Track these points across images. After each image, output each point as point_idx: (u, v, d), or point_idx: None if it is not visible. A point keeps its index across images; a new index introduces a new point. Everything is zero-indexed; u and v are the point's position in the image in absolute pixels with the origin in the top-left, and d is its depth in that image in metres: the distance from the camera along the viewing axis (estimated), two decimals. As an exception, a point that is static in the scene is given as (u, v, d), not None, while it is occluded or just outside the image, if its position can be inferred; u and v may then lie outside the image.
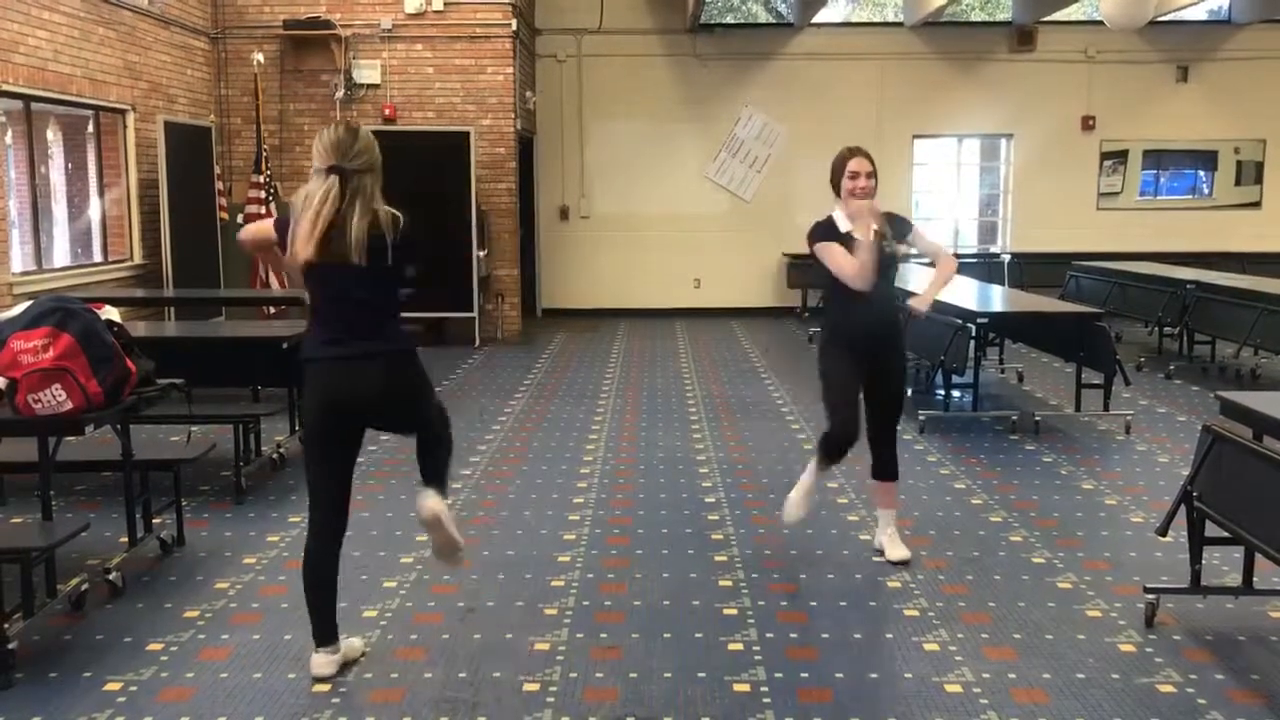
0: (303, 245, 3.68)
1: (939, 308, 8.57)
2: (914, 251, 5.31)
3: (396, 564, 5.18)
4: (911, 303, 5.21)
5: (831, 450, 5.12)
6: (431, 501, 3.92)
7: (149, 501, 5.29)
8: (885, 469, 5.22)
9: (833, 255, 4.96)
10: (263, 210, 11.55)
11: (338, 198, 3.69)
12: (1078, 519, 5.88)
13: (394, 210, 3.80)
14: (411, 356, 3.91)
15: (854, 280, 4.90)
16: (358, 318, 3.80)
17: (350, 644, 4.09)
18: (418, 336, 3.99)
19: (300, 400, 3.94)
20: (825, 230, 5.06)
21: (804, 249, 5.18)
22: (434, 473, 3.99)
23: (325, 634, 3.96)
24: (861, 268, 4.88)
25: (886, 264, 4.99)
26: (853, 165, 4.99)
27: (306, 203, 3.71)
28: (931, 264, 5.49)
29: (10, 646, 3.93)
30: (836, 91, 14.86)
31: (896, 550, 5.19)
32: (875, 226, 4.94)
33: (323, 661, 3.95)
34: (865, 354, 5.04)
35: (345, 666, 4.02)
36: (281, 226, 3.85)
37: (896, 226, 5.04)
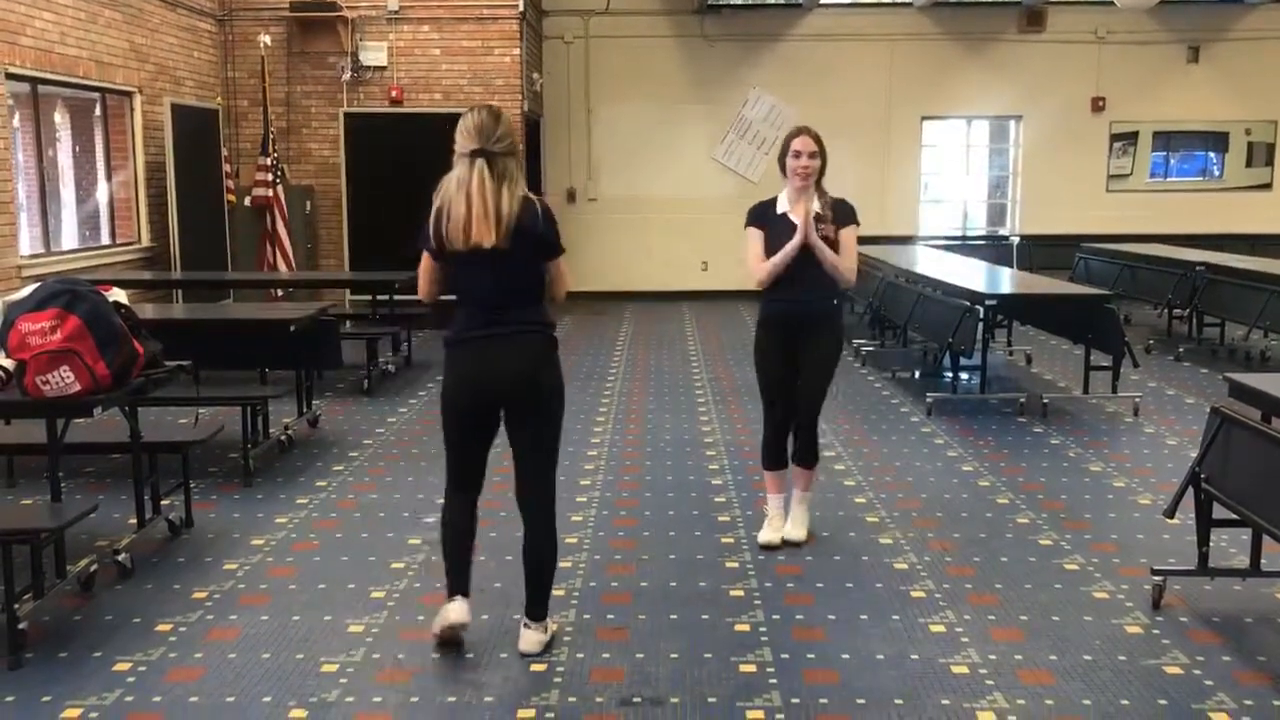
0: (481, 230, 3.68)
1: (948, 289, 8.58)
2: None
3: (404, 545, 5.19)
4: (802, 222, 4.90)
5: (767, 446, 5.15)
6: (535, 636, 3.98)
7: (157, 483, 5.31)
8: (804, 453, 5.15)
9: (749, 246, 5.00)
10: (269, 193, 11.57)
11: (492, 181, 3.70)
12: (1085, 501, 5.87)
13: (531, 194, 3.82)
14: (553, 343, 3.91)
15: (755, 276, 4.96)
16: (504, 302, 3.80)
17: (549, 625, 4.09)
18: (555, 323, 3.98)
19: (443, 381, 3.91)
20: (760, 211, 5.06)
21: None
22: (539, 597, 4.01)
23: (460, 584, 3.99)
24: (766, 272, 4.92)
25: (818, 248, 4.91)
26: (796, 144, 4.93)
27: (460, 188, 3.71)
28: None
29: (21, 626, 3.96)
30: (845, 73, 14.79)
31: (796, 530, 5.17)
32: (817, 209, 4.91)
33: (456, 608, 3.95)
34: (792, 333, 5.01)
35: (548, 646, 4.03)
36: (431, 225, 3.79)
37: (839, 212, 4.96)
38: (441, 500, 4.10)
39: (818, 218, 4.89)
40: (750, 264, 5.00)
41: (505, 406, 3.88)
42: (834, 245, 4.92)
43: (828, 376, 5.10)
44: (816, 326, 5.03)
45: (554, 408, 3.94)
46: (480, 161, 3.71)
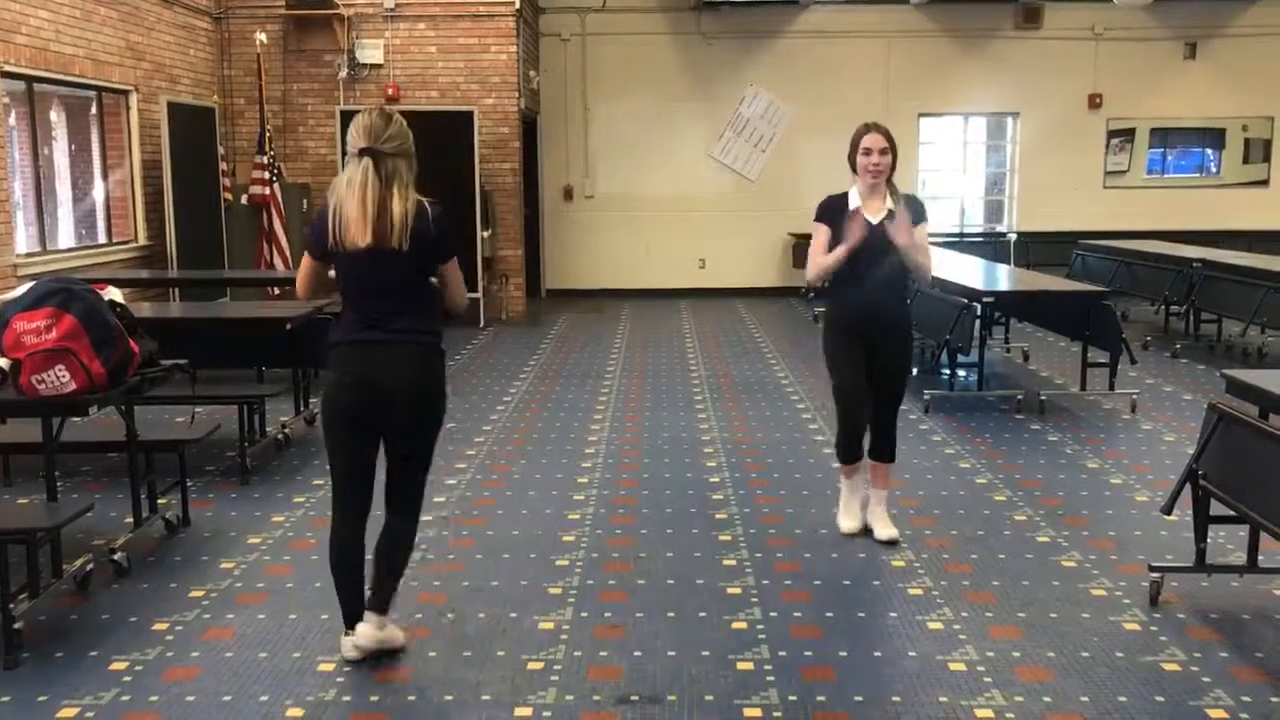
0: (358, 230, 3.66)
1: (945, 286, 8.57)
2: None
3: (401, 544, 5.17)
4: (894, 229, 4.86)
5: (843, 446, 5.14)
6: (370, 633, 3.88)
7: (154, 482, 5.30)
8: (880, 449, 5.16)
9: (815, 241, 4.97)
10: (266, 191, 11.55)
11: (376, 181, 3.68)
12: (1083, 498, 5.87)
13: (426, 198, 3.79)
14: (437, 352, 3.87)
15: (808, 274, 4.96)
16: (390, 304, 3.76)
17: (392, 631, 3.99)
18: (442, 332, 3.91)
19: (323, 385, 3.87)
20: (830, 206, 5.01)
21: (810, 229, 5.13)
22: (384, 590, 3.92)
23: (356, 611, 3.93)
24: (820, 272, 4.91)
25: (889, 247, 4.88)
26: (866, 141, 4.91)
27: (348, 187, 3.69)
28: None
29: (16, 626, 3.95)
30: (842, 70, 14.79)
31: (885, 529, 5.16)
32: (889, 206, 4.90)
33: (364, 632, 3.87)
34: (864, 335, 5.00)
35: (384, 653, 3.95)
36: (319, 224, 3.77)
37: (912, 209, 4.94)
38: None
39: (891, 215, 4.87)
40: (812, 258, 4.97)
41: (384, 413, 3.79)
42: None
43: (906, 375, 5.15)
44: (891, 327, 5.03)
45: (436, 415, 3.89)
46: (366, 160, 3.69)
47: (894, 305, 5.05)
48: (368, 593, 3.92)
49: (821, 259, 4.95)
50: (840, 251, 4.86)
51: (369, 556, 3.93)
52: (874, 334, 5.00)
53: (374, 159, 3.69)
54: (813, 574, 4.79)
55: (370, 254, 3.68)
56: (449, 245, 3.85)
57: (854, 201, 4.96)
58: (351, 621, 3.92)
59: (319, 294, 3.96)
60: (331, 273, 3.86)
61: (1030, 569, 4.83)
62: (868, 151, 4.90)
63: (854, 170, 4.98)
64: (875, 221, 4.88)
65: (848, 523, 5.26)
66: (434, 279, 3.87)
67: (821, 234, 4.98)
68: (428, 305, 3.86)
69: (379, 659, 3.94)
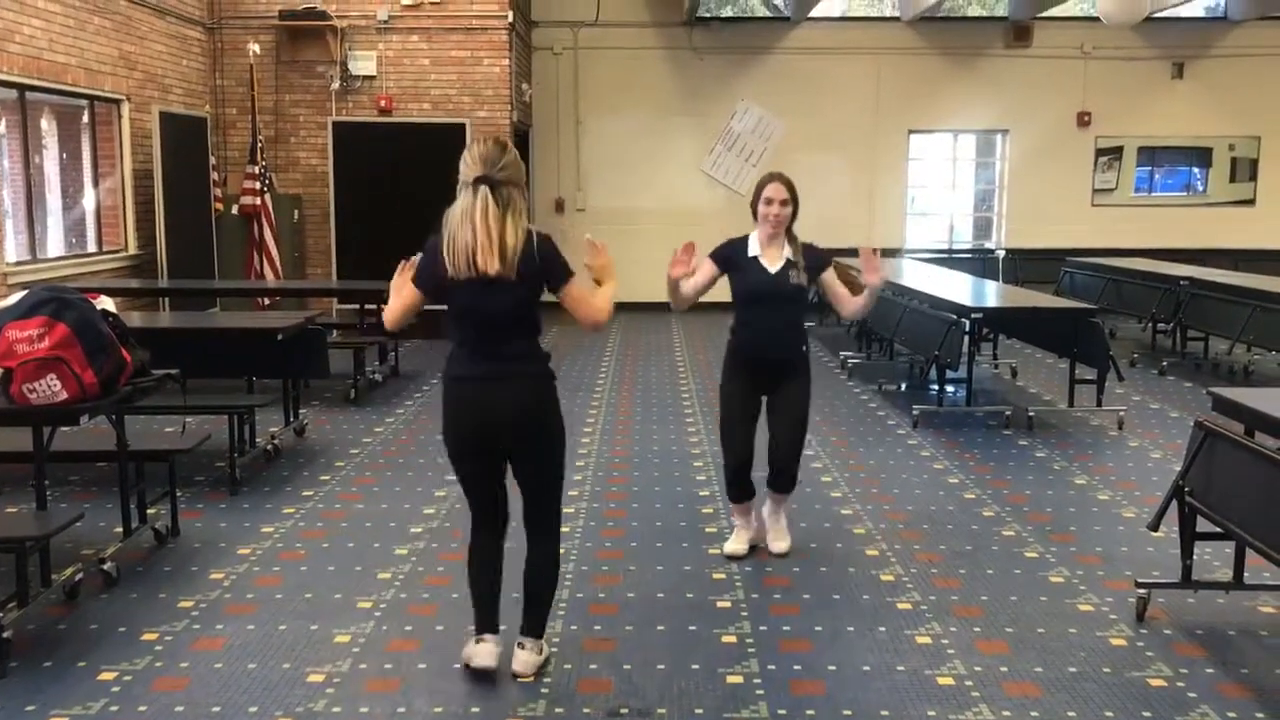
0: (485, 259, 3.62)
1: (934, 302, 8.62)
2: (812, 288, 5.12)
3: (391, 556, 5.18)
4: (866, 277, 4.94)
5: (729, 481, 5.16)
6: (529, 658, 3.92)
7: (144, 492, 5.30)
8: (779, 484, 5.17)
9: (698, 272, 5.03)
10: (257, 201, 11.55)
11: (496, 209, 3.66)
12: (1070, 514, 5.90)
13: (530, 226, 3.78)
14: (550, 379, 3.87)
15: (674, 297, 5.03)
16: (503, 335, 3.76)
17: (528, 656, 3.95)
18: (551, 357, 3.92)
19: (443, 417, 3.86)
20: (729, 253, 5.07)
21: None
22: (536, 615, 3.97)
23: (486, 622, 3.95)
24: (684, 301, 5.04)
25: (791, 295, 4.97)
26: (768, 191, 4.95)
27: (464, 217, 3.66)
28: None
29: (5, 636, 3.94)
30: (833, 86, 14.87)
31: (779, 541, 5.20)
32: (788, 256, 4.96)
33: (485, 651, 3.90)
34: (760, 379, 5.05)
35: (542, 669, 3.97)
36: (431, 255, 3.72)
37: (810, 259, 4.99)
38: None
39: (789, 264, 4.94)
40: (684, 286, 4.98)
41: (503, 442, 3.82)
42: (803, 291, 5.01)
43: (803, 421, 5.12)
44: (788, 372, 5.05)
45: (555, 443, 3.91)
46: (484, 189, 3.66)
47: (790, 350, 5.05)
48: (522, 619, 3.98)
49: (690, 292, 5.03)
50: (669, 275, 4.91)
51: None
52: (769, 377, 5.05)
53: (491, 187, 3.67)
54: (801, 588, 4.81)
55: (490, 284, 3.66)
56: (561, 269, 3.79)
57: (753, 249, 5.02)
58: (480, 630, 3.95)
59: (408, 323, 3.93)
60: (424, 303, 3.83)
61: (1018, 584, 4.85)
62: (769, 201, 4.94)
63: (754, 217, 5.04)
64: (773, 270, 4.96)
65: (732, 545, 5.22)
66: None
67: (706, 269, 5.05)
68: (537, 335, 3.86)
69: (355, 676, 3.94)
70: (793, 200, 4.95)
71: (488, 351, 3.76)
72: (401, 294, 3.84)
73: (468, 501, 3.97)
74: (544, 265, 3.74)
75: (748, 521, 5.26)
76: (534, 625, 3.97)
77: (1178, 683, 3.89)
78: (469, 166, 3.71)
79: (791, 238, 5.02)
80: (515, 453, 3.86)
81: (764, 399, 5.10)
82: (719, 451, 7.13)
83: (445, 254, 3.68)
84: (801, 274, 4.95)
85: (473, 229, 3.65)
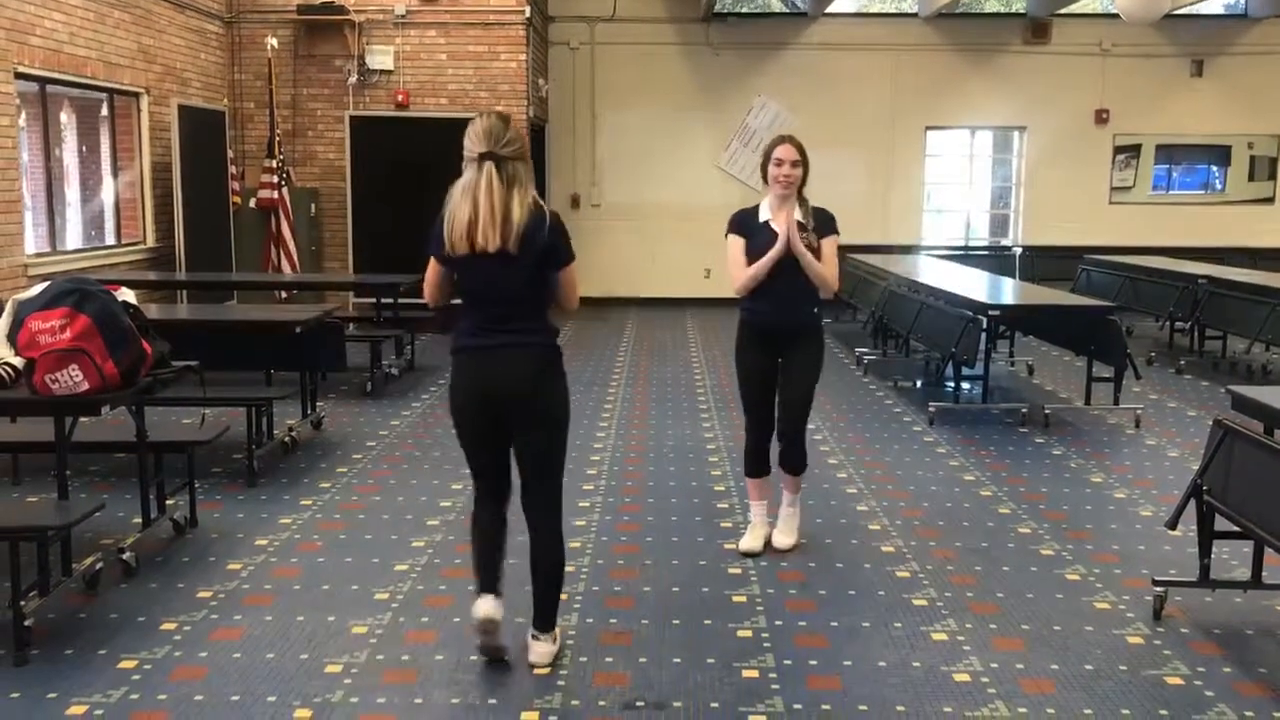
0: (486, 234, 3.64)
1: (950, 299, 8.59)
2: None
3: (408, 548, 5.20)
4: (784, 229, 4.85)
5: (748, 455, 5.16)
6: (487, 609, 3.89)
7: (163, 483, 5.33)
8: (789, 459, 5.15)
9: (729, 253, 4.97)
10: (275, 195, 11.59)
11: (500, 185, 3.67)
12: (1087, 512, 5.89)
13: (542, 201, 3.79)
14: (556, 352, 3.88)
15: (734, 283, 4.95)
16: (508, 309, 3.77)
17: (543, 647, 3.97)
18: (559, 331, 3.93)
19: (449, 390, 3.89)
20: (741, 219, 5.02)
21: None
22: (546, 606, 3.96)
23: (488, 583, 3.95)
24: (746, 279, 4.90)
25: (795, 259, 4.89)
26: (778, 152, 4.91)
27: (466, 191, 3.68)
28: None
29: (26, 624, 3.98)
30: (850, 82, 14.83)
31: (784, 537, 5.18)
32: (797, 218, 4.91)
33: (487, 602, 3.89)
34: (773, 345, 5.01)
35: (558, 657, 3.98)
36: (439, 229, 3.74)
37: (819, 221, 4.95)
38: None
39: (799, 226, 4.88)
40: (730, 271, 4.99)
41: (508, 416, 3.83)
42: (816, 254, 4.90)
43: (811, 386, 5.10)
44: (798, 336, 5.02)
45: (558, 418, 3.91)
46: (489, 165, 3.67)
47: (800, 314, 5.01)
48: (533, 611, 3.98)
49: (750, 270, 4.93)
50: (765, 261, 4.86)
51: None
52: (780, 343, 5.01)
53: (496, 163, 3.67)
54: (818, 583, 4.81)
55: (492, 259, 3.67)
56: (565, 251, 3.81)
57: (764, 214, 4.98)
58: (482, 589, 3.93)
59: (448, 298, 3.93)
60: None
61: (1034, 582, 4.84)
62: (779, 162, 4.90)
63: (765, 181, 4.99)
64: (781, 231, 4.90)
65: (748, 541, 5.20)
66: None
67: (735, 246, 4.98)
68: (544, 309, 3.86)
69: (373, 667, 3.96)
70: (803, 161, 4.91)
71: (494, 325, 3.78)
72: (429, 272, 3.88)
73: (471, 474, 3.98)
74: (550, 241, 3.75)
75: (763, 511, 5.25)
76: (546, 619, 3.97)
77: (1195, 681, 3.88)
78: (473, 142, 3.71)
79: (802, 200, 4.97)
80: (517, 424, 3.84)
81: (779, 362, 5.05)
82: (734, 446, 7.18)
83: (444, 229, 3.71)
84: (812, 235, 4.89)
85: (474, 204, 3.66)
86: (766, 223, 4.95)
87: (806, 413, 5.13)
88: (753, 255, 4.92)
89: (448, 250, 3.72)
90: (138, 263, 10.49)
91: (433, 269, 3.87)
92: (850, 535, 5.47)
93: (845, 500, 6.06)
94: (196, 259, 10.82)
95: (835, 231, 5.00)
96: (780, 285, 4.90)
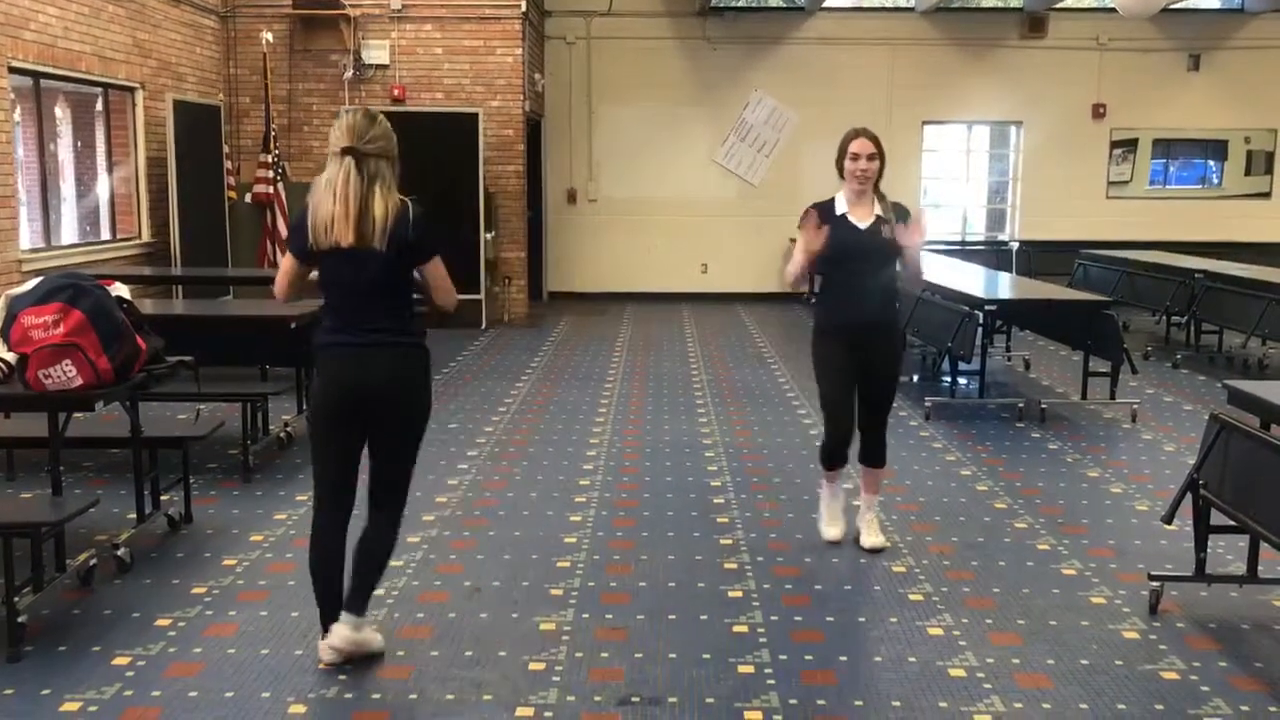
0: (341, 230, 3.64)
1: (947, 294, 8.59)
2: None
3: (402, 543, 5.16)
4: (904, 232, 4.89)
5: (828, 452, 5.13)
6: (346, 634, 3.83)
7: (157, 478, 5.32)
8: (871, 455, 5.15)
9: (797, 245, 4.94)
10: (270, 190, 11.57)
11: (358, 180, 3.67)
12: (1083, 506, 5.89)
13: (408, 198, 3.77)
14: (421, 351, 3.87)
15: (786, 277, 4.93)
16: (372, 305, 3.76)
17: (369, 634, 3.97)
18: (426, 331, 3.90)
19: (310, 386, 3.85)
20: (816, 208, 4.97)
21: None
22: (364, 589, 3.89)
23: (333, 612, 3.91)
24: (795, 272, 4.90)
25: (882, 252, 4.88)
26: (854, 146, 4.87)
27: (328, 187, 3.68)
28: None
29: (20, 620, 3.96)
30: (846, 76, 14.82)
31: (872, 538, 5.14)
32: (878, 212, 4.90)
33: (345, 630, 3.84)
34: (852, 341, 4.97)
35: (362, 657, 3.93)
36: (300, 224, 3.76)
37: (900, 216, 4.93)
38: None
39: (880, 220, 4.86)
40: (792, 263, 4.97)
41: (370, 413, 3.79)
42: (896, 249, 4.88)
43: (895, 380, 5.12)
44: (879, 333, 4.99)
45: (418, 418, 3.89)
46: (349, 160, 3.66)
47: (882, 311, 4.99)
48: (346, 594, 3.90)
49: (790, 268, 4.96)
50: (798, 256, 4.84)
51: (349, 558, 3.91)
52: (862, 340, 4.96)
53: (356, 159, 3.67)
54: (813, 578, 4.81)
55: (352, 254, 3.67)
56: (430, 245, 3.80)
57: (840, 207, 4.94)
58: (327, 623, 3.89)
59: (299, 294, 3.95)
60: (313, 275, 3.84)
61: (1030, 576, 4.84)
62: (855, 157, 4.86)
63: (841, 175, 4.95)
64: (863, 227, 4.89)
65: (832, 530, 5.24)
66: (418, 278, 3.85)
67: (801, 243, 4.94)
68: (409, 306, 3.85)
69: (370, 662, 3.95)
70: (879, 154, 4.87)
71: (357, 321, 3.76)
72: (286, 266, 3.88)
73: (318, 483, 3.90)
74: (416, 238, 3.73)
75: (836, 494, 5.25)
76: (359, 602, 3.89)
77: (1190, 676, 3.88)
78: (337, 137, 3.71)
79: (880, 194, 4.94)
80: (378, 422, 3.82)
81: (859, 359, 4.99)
82: (730, 442, 7.18)
83: (308, 223, 3.71)
84: (893, 230, 4.85)
85: (333, 198, 3.66)
86: (844, 216, 4.91)
87: (889, 408, 5.14)
88: (831, 248, 4.81)
89: (311, 244, 3.71)
90: (133, 258, 10.46)
91: (288, 262, 3.86)
92: (846, 529, 5.45)
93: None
94: (192, 254, 10.79)
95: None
96: (865, 282, 4.88)
